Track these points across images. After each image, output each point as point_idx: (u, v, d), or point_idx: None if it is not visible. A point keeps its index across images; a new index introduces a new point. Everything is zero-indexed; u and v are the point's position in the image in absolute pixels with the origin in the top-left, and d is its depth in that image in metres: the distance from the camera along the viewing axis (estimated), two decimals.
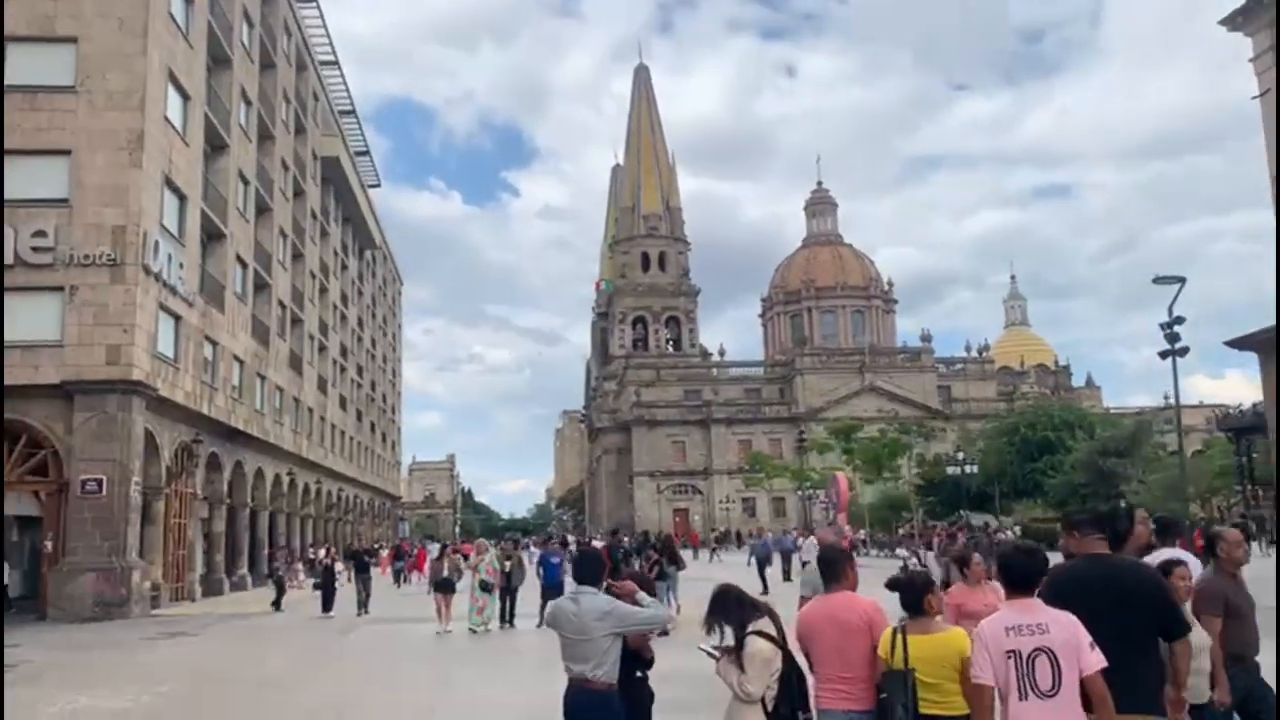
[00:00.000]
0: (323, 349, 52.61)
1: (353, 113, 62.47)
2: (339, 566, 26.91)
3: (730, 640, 4.71)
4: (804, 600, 7.86)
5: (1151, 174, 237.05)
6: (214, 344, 32.71)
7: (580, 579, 5.34)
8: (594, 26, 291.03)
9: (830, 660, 4.71)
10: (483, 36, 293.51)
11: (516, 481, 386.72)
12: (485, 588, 16.78)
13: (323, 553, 30.25)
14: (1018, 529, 48.77)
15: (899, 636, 4.59)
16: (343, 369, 59.26)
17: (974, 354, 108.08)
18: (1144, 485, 44.64)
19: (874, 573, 8.39)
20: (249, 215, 37.10)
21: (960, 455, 46.36)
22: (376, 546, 57.23)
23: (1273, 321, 18.63)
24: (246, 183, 36.85)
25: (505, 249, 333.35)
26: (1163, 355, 16.87)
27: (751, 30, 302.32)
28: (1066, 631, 4.10)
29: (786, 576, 29.55)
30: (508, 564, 17.20)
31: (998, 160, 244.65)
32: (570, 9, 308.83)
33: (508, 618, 17.43)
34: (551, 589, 16.46)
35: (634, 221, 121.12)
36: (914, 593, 4.73)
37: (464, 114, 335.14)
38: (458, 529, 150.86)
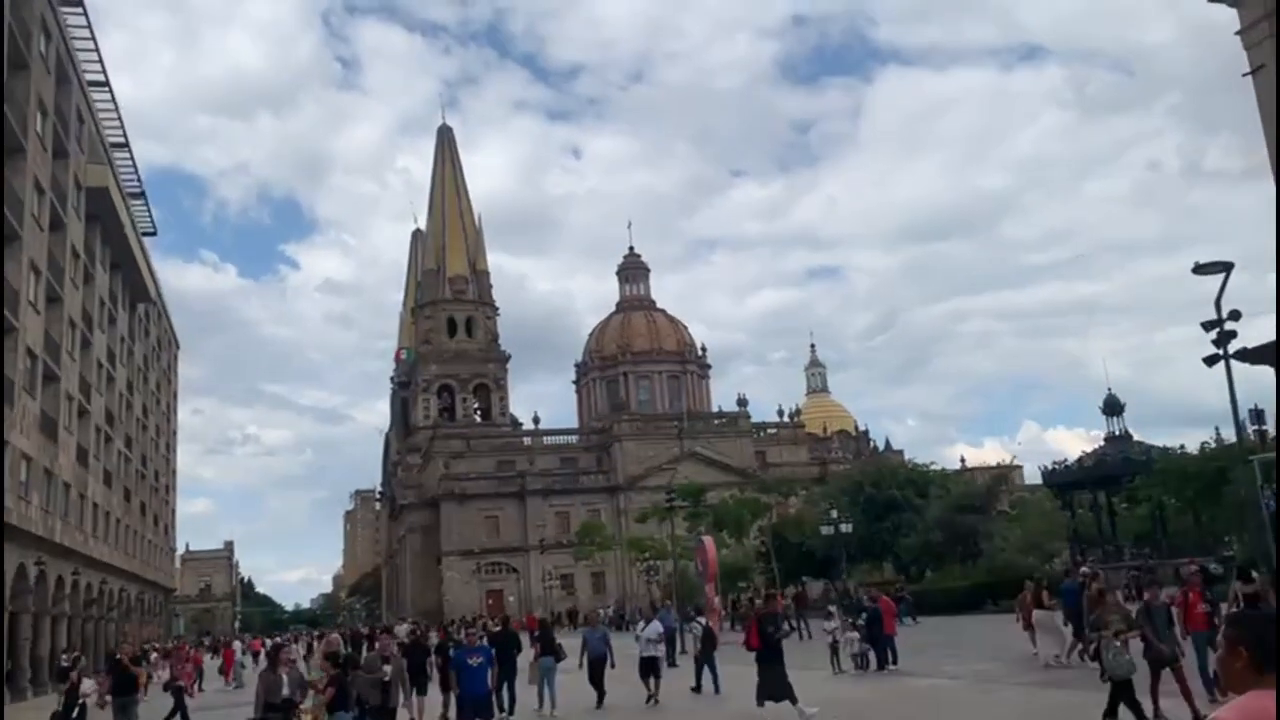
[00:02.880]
0: (83, 413, 44.11)
1: (126, 146, 54.53)
2: (86, 685, 17.78)
3: None
4: None
5: (908, 257, 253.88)
6: None
7: None
8: (378, 100, 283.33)
9: None
10: (259, 107, 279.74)
11: (297, 570, 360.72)
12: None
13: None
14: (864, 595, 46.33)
15: None
16: (108, 439, 50.32)
17: (786, 419, 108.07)
18: (1005, 541, 43.24)
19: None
20: None
21: (834, 514, 43.53)
22: (146, 648, 48.33)
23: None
24: None
25: (283, 324, 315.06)
26: (1208, 361, 13.91)
27: (538, 111, 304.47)
28: None
29: (672, 661, 24.93)
30: (386, 670, 11.67)
31: (773, 242, 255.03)
32: (352, 82, 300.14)
33: None
34: (478, 700, 11.30)
35: (439, 285, 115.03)
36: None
37: (239, 185, 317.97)
38: (238, 623, 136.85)
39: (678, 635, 27.00)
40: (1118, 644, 9.51)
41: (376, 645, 12.28)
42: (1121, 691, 9.53)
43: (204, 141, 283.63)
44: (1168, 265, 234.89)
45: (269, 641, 51.08)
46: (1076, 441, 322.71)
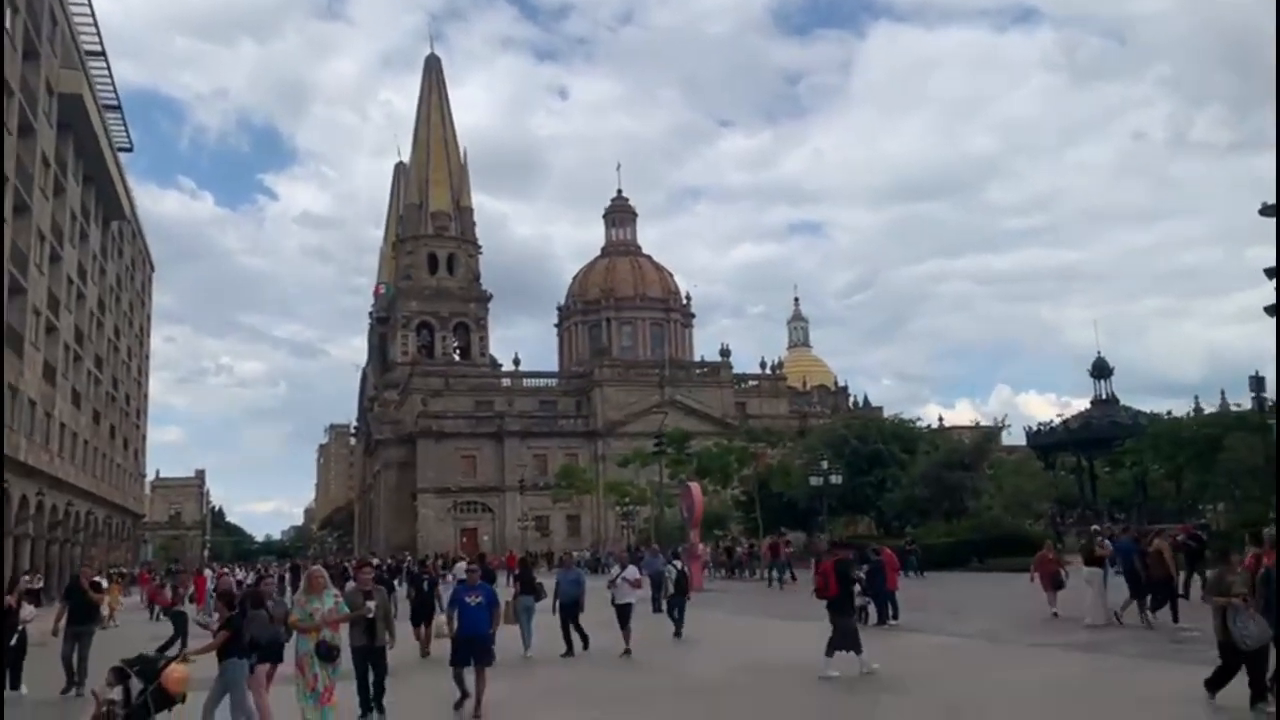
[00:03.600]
0: (51, 330, 42.53)
1: (102, 55, 52.10)
2: (26, 611, 14.31)
3: None
4: None
5: (890, 216, 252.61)
6: None
7: None
8: (362, 32, 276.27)
9: None
10: (240, 32, 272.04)
11: (268, 502, 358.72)
12: (326, 654, 10.07)
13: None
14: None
15: None
16: (77, 358, 48.76)
17: (768, 372, 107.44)
18: (992, 499, 42.76)
19: None
20: None
21: (825, 464, 42.82)
22: (114, 572, 47.33)
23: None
24: None
25: (260, 255, 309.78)
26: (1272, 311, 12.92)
27: (524, 50, 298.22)
28: None
29: (658, 607, 24.13)
30: (370, 607, 10.54)
31: (757, 195, 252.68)
32: (337, 11, 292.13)
33: (374, 707, 10.75)
34: (475, 642, 10.27)
35: (421, 220, 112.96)
36: None
37: (218, 111, 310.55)
38: (207, 552, 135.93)
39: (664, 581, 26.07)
40: (1245, 609, 8.60)
41: (357, 579, 11.13)
42: (1254, 662, 8.66)
43: (183, 65, 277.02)
44: (1147, 235, 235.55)
45: (238, 570, 50.10)
46: (1047, 406, 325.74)
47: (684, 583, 20.73)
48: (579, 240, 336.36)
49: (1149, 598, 16.01)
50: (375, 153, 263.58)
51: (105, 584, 27.71)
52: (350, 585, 11.40)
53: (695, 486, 34.40)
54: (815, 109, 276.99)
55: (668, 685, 12.84)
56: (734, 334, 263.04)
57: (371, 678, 10.36)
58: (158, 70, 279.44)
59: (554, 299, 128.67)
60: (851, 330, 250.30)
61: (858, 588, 18.59)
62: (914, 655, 14.57)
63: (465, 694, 10.36)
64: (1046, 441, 56.96)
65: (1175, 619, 15.72)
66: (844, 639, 12.70)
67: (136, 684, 8.71)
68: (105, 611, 23.17)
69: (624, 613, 16.92)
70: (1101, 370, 55.34)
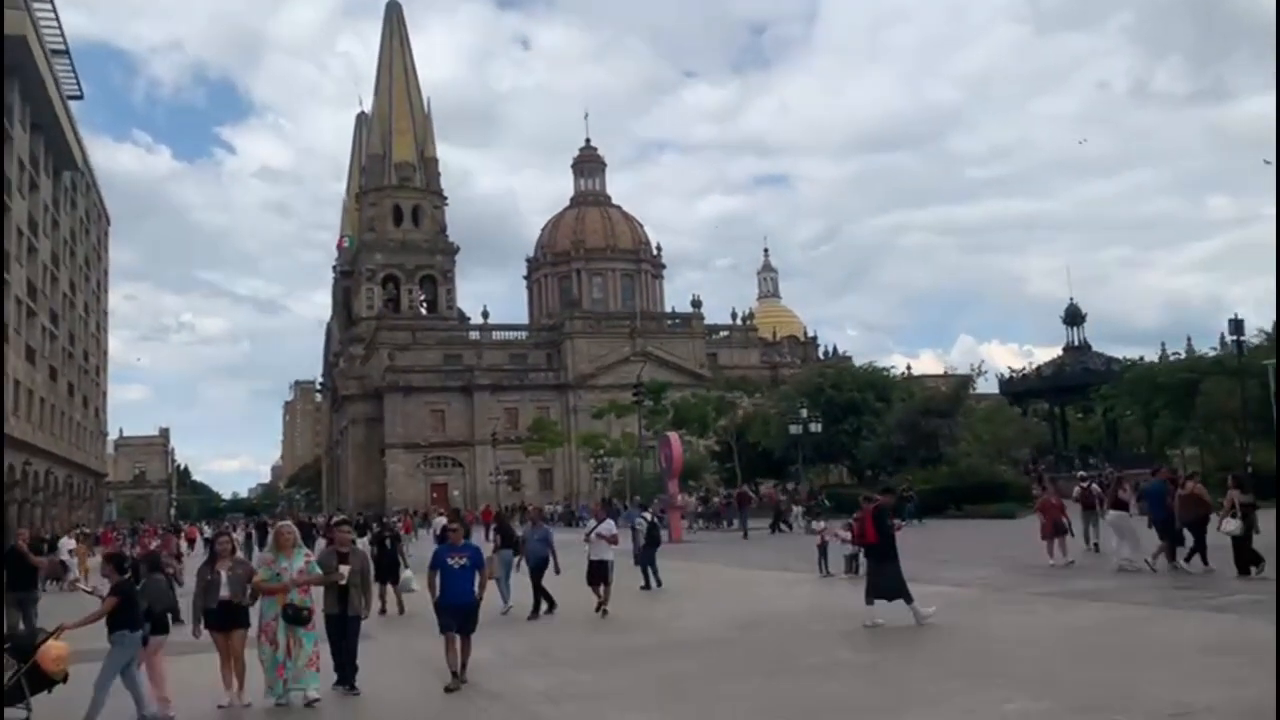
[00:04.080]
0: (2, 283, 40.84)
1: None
2: None
3: None
4: None
5: (854, 168, 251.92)
6: None
7: None
8: None
9: None
10: None
11: (233, 460, 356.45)
12: (295, 618, 9.36)
13: None
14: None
15: None
16: (30, 313, 47.08)
17: (739, 323, 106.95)
18: (970, 446, 42.61)
19: None
20: None
21: (804, 413, 42.36)
22: (80, 532, 46.26)
23: None
24: None
25: (218, 210, 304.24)
26: None
27: None
28: None
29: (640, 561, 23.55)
30: (343, 572, 9.72)
31: (723, 147, 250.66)
32: None
33: (346, 677, 9.73)
34: (461, 610, 9.49)
35: (385, 171, 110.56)
36: None
37: (172, 63, 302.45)
38: (173, 510, 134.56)
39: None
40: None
41: (335, 539, 10.25)
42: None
43: (135, 15, 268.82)
44: (1109, 185, 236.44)
45: (206, 528, 49.00)
46: (1011, 356, 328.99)
47: (655, 534, 20.29)
48: (543, 193, 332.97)
49: (1184, 544, 15.57)
50: (335, 104, 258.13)
51: (74, 545, 26.74)
52: (322, 545, 10.55)
53: (674, 437, 33.83)
54: (780, 60, 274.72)
55: (654, 642, 12.20)
56: (702, 286, 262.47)
57: (343, 647, 9.54)
58: (109, 22, 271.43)
59: (519, 253, 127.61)
60: (816, 281, 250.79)
61: (848, 534, 18.01)
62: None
63: (455, 674, 9.53)
64: (1019, 389, 57.02)
65: (1205, 562, 15.28)
66: (889, 586, 12.09)
67: (11, 663, 7.86)
68: (75, 575, 22.26)
69: (599, 569, 16.00)
70: (1074, 317, 55.29)
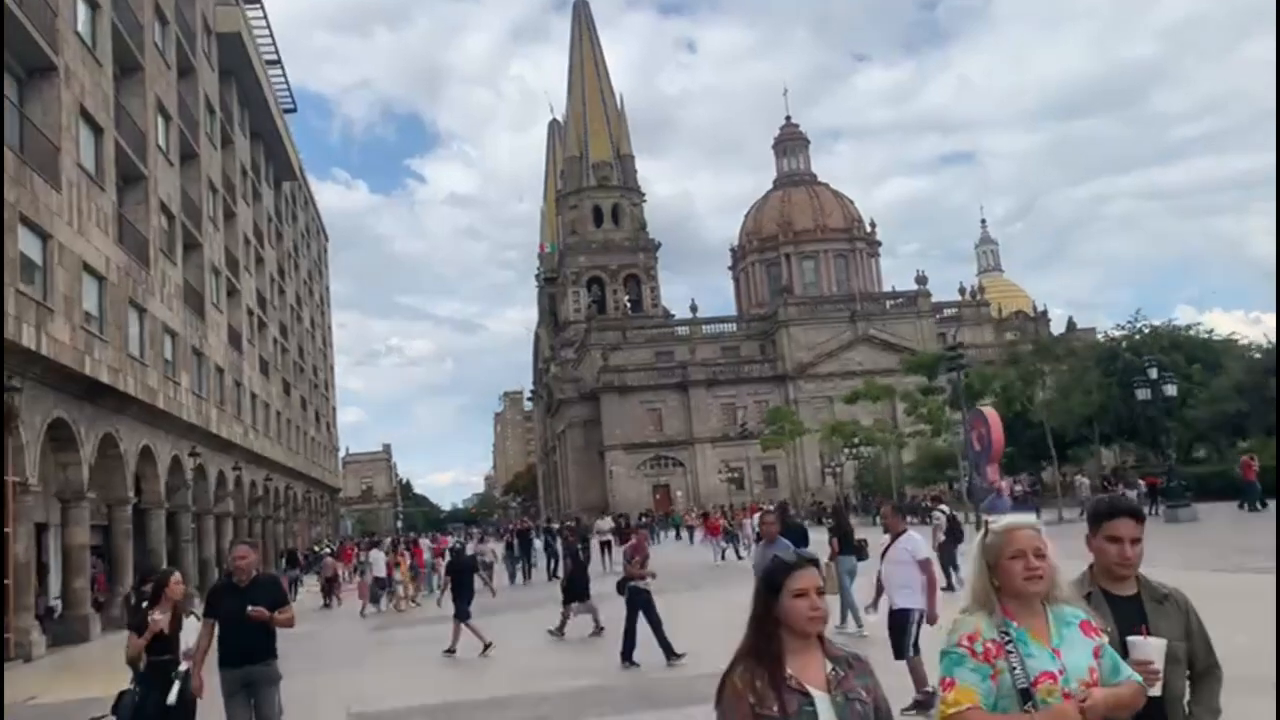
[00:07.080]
0: (233, 292, 39.63)
1: (258, 2, 49.01)
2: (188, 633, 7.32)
3: None
4: None
5: (1046, 138, 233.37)
6: (46, 238, 20.09)
7: None
8: (489, 8, 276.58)
9: None
10: (374, 21, 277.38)
11: (446, 474, 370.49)
12: None
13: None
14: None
15: None
16: (261, 324, 46.14)
17: (968, 298, 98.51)
18: None
19: None
20: (103, 59, 24.31)
21: (1154, 373, 35.43)
22: (319, 549, 44.88)
23: None
24: (96, 6, 24.06)
25: (415, 238, 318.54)
26: None
27: (649, 6, 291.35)
28: None
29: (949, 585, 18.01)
30: None
31: (902, 129, 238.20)
32: None
33: None
34: None
35: (582, 172, 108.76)
36: None
37: (362, 102, 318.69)
38: (399, 523, 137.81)
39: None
40: None
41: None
42: None
43: (326, 59, 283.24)
44: None
45: (437, 536, 46.73)
46: (1237, 324, 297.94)
47: (956, 531, 18.94)
48: (719, 192, 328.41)
49: None
50: (513, 128, 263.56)
51: (384, 557, 24.61)
52: None
53: (992, 412, 28.05)
54: (957, 33, 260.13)
55: None
56: (890, 277, 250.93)
57: None
58: (304, 67, 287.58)
59: (700, 257, 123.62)
60: (1010, 260, 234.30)
61: None
62: None
63: None
64: None
65: None
66: None
67: None
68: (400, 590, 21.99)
69: (900, 623, 8.92)
70: None
